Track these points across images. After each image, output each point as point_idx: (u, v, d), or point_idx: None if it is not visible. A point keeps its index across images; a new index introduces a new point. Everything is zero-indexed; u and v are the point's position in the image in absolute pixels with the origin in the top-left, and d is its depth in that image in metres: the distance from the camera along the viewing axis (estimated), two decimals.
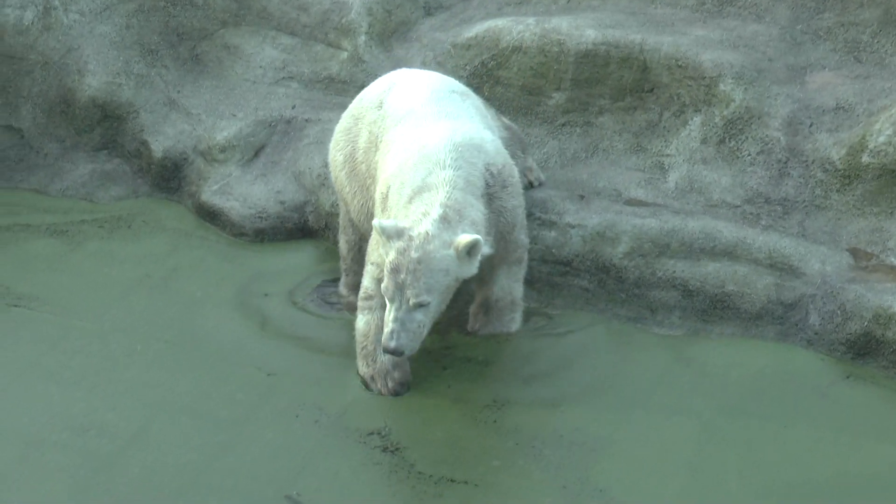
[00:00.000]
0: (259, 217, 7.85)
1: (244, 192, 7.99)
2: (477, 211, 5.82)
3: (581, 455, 5.60)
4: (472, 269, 5.72)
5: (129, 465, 5.47)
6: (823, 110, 7.40)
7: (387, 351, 5.56)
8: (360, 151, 6.60)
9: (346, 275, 6.98)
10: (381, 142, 6.38)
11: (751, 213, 7.16)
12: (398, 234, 5.57)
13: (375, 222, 5.66)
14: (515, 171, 6.31)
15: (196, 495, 5.27)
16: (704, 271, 6.83)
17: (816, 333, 6.56)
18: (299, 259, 7.66)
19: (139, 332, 6.66)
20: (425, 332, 5.68)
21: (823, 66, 7.71)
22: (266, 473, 5.44)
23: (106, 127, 8.63)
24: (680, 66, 7.59)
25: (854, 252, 6.90)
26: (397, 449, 5.65)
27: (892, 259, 6.83)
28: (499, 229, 6.09)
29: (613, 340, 6.61)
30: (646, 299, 6.90)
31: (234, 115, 8.46)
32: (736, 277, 6.78)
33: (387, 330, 5.54)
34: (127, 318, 6.83)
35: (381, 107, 6.52)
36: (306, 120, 8.34)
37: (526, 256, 6.57)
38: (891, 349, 6.30)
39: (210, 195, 8.06)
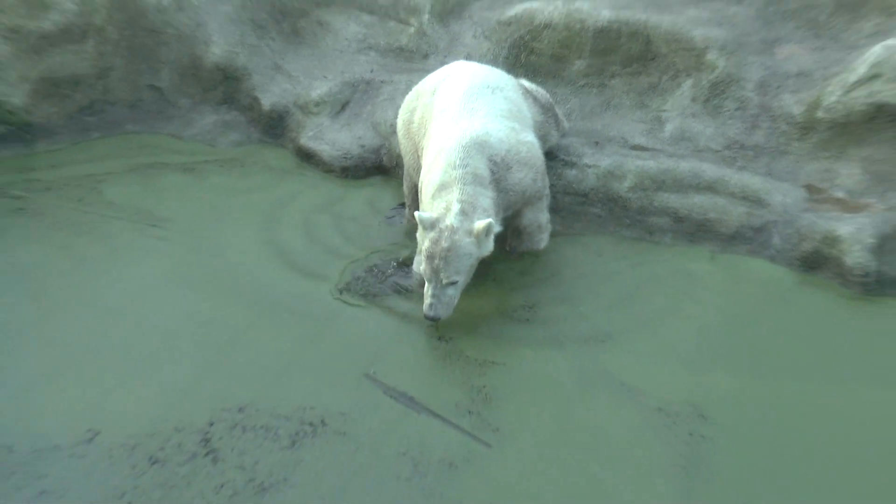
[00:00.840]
0: (344, 157, 7.99)
1: (333, 138, 8.16)
2: (486, 198, 5.82)
3: (595, 346, 5.56)
4: (489, 246, 5.76)
5: (241, 351, 5.47)
6: (788, 75, 7.50)
7: (427, 318, 5.58)
8: (415, 124, 6.66)
9: (409, 208, 7.07)
10: (427, 127, 6.44)
11: (729, 157, 7.27)
12: (431, 224, 5.65)
13: (416, 214, 5.70)
14: (524, 148, 6.18)
15: (294, 373, 5.28)
16: (691, 202, 6.86)
17: (778, 251, 6.57)
18: (375, 190, 7.74)
19: (251, 248, 6.66)
20: (456, 300, 5.69)
21: (789, 40, 7.78)
22: (349, 357, 5.43)
23: (226, 86, 8.81)
24: (676, 40, 7.73)
25: (809, 188, 6.93)
26: (451, 338, 5.62)
27: (839, 193, 6.80)
28: (510, 200, 6.09)
29: (623, 256, 6.63)
30: (645, 224, 6.92)
31: (326, 77, 8.64)
32: (716, 207, 6.80)
33: (426, 302, 5.60)
34: (241, 235, 6.84)
35: (433, 94, 6.56)
36: (382, 81, 8.49)
37: (547, 192, 6.54)
38: (835, 263, 6.29)
39: (306, 140, 8.23)
